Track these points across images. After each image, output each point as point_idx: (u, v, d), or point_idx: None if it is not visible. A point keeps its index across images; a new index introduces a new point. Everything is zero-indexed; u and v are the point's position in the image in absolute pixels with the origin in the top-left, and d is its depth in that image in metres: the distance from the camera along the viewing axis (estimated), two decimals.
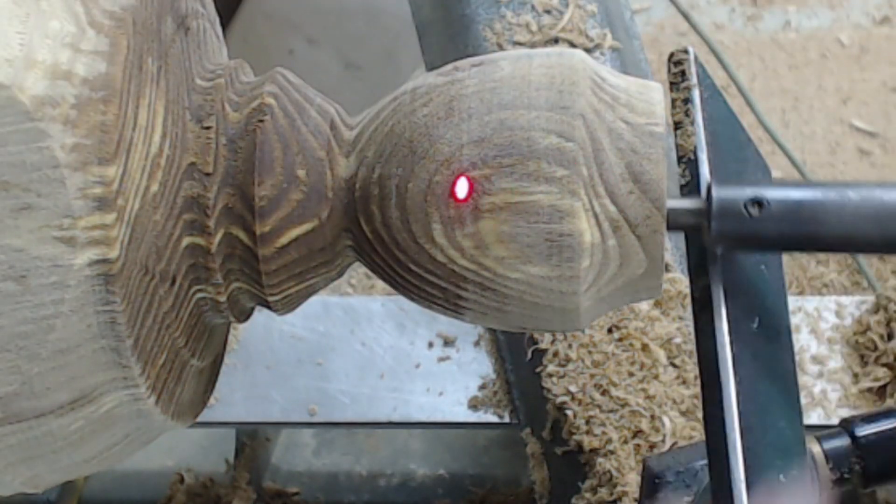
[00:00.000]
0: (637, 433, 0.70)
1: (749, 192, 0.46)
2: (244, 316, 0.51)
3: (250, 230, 0.47)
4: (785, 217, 0.46)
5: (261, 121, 0.47)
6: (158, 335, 0.45)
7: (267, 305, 0.49)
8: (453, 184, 0.46)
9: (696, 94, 0.50)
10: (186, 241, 0.47)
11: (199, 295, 0.48)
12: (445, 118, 0.46)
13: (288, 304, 0.50)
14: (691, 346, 0.73)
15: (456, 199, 0.46)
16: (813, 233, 0.45)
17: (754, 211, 0.45)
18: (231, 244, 0.48)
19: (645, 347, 0.73)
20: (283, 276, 0.48)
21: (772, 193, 0.46)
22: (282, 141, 0.48)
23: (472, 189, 0.45)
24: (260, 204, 0.47)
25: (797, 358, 0.49)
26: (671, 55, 0.51)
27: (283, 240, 0.48)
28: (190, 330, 0.48)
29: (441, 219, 0.46)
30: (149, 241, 0.44)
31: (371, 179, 0.47)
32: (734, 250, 0.47)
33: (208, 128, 0.47)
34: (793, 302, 0.81)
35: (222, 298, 0.48)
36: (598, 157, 0.45)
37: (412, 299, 0.49)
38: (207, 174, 0.47)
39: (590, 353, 0.73)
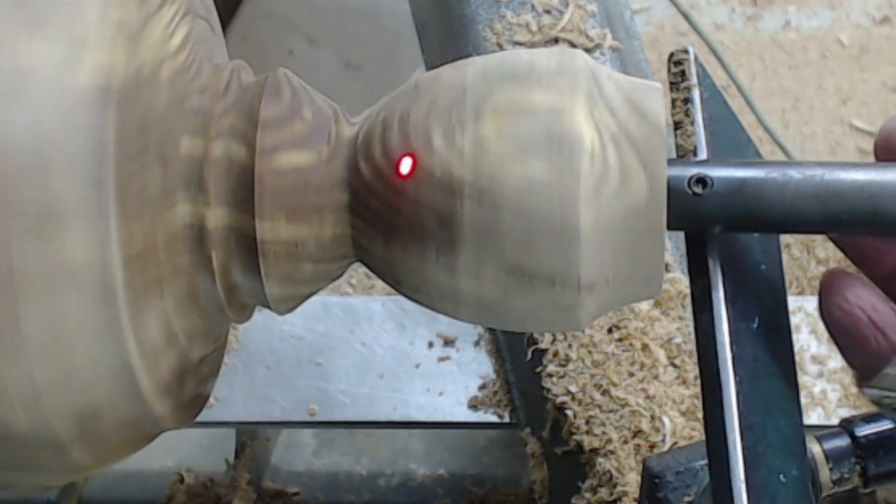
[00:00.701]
0: (637, 433, 0.70)
1: (693, 170, 0.46)
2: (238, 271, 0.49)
3: (251, 144, 0.47)
4: (728, 195, 0.46)
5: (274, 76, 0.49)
6: (144, 215, 0.44)
7: (258, 270, 0.48)
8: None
9: (696, 94, 0.50)
10: (185, 142, 0.46)
11: (189, 220, 0.47)
12: (451, 70, 0.48)
13: (280, 274, 0.48)
14: (691, 346, 0.73)
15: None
16: (756, 210, 0.46)
17: (698, 189, 0.46)
18: (229, 158, 0.47)
19: (645, 347, 0.73)
20: (276, 205, 0.47)
21: (715, 172, 0.46)
22: (292, 88, 0.49)
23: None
24: (264, 118, 0.47)
25: (797, 358, 0.49)
26: (671, 55, 0.51)
27: (282, 161, 0.47)
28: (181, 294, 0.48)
29: (442, 126, 0.46)
30: (150, 107, 0.44)
31: (375, 122, 0.48)
32: (680, 229, 0.47)
33: (222, 73, 0.49)
34: (793, 302, 0.81)
35: (211, 224, 0.47)
36: (598, 82, 0.46)
37: (406, 247, 0.47)
38: (216, 94, 0.48)
39: (590, 353, 0.73)
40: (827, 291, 0.47)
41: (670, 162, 0.46)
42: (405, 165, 0.46)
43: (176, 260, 0.46)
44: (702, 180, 0.46)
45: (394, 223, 0.47)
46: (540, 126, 0.45)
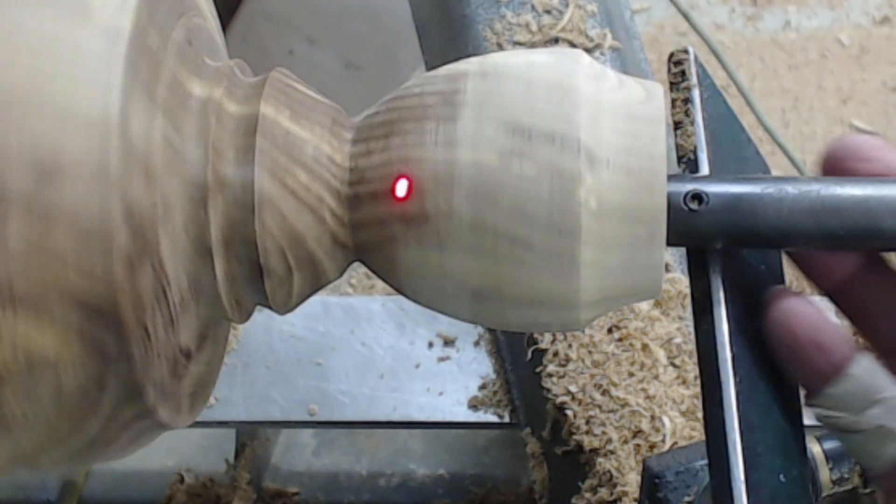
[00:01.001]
0: (637, 433, 0.70)
1: (689, 186, 0.46)
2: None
3: (256, 74, 0.49)
4: (724, 211, 0.46)
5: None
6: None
7: (252, 155, 0.47)
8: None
9: (696, 94, 0.50)
10: (207, 58, 0.48)
11: (197, 92, 0.47)
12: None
13: (272, 164, 0.47)
14: (691, 346, 0.73)
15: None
16: (752, 226, 0.46)
17: (693, 205, 0.46)
18: (243, 71, 0.49)
19: (645, 347, 0.73)
20: (281, 101, 0.48)
21: (711, 188, 0.46)
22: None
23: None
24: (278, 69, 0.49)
25: None
26: (671, 55, 0.51)
27: (294, 83, 0.49)
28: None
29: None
30: None
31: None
32: (678, 245, 0.47)
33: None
34: None
35: (217, 97, 0.47)
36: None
37: (406, 137, 0.47)
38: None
39: (590, 353, 0.73)
40: (770, 311, 0.46)
41: (669, 176, 0.46)
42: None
43: (176, 111, 0.46)
44: (697, 196, 0.46)
45: (395, 119, 0.47)
46: (543, 51, 0.48)
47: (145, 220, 0.44)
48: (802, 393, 0.46)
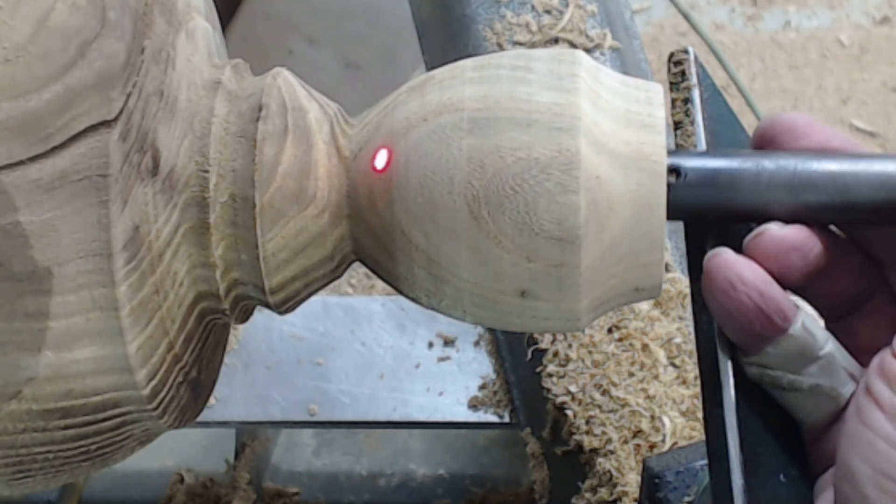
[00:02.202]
0: (637, 433, 0.70)
1: (667, 160, 0.46)
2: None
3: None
4: (701, 185, 0.46)
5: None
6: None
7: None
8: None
9: (696, 94, 0.50)
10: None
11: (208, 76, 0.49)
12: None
13: (277, 103, 0.48)
14: (691, 346, 0.73)
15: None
16: (729, 200, 0.46)
17: (671, 179, 0.46)
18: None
19: (645, 347, 0.73)
20: (282, 81, 0.49)
21: (689, 162, 0.46)
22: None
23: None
24: None
25: None
26: (671, 55, 0.51)
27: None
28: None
29: None
30: None
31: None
32: None
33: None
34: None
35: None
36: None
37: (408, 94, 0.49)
38: None
39: (590, 353, 0.73)
40: (712, 276, 0.45)
41: None
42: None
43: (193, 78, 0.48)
44: (675, 170, 0.46)
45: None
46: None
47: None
48: (740, 350, 0.46)
